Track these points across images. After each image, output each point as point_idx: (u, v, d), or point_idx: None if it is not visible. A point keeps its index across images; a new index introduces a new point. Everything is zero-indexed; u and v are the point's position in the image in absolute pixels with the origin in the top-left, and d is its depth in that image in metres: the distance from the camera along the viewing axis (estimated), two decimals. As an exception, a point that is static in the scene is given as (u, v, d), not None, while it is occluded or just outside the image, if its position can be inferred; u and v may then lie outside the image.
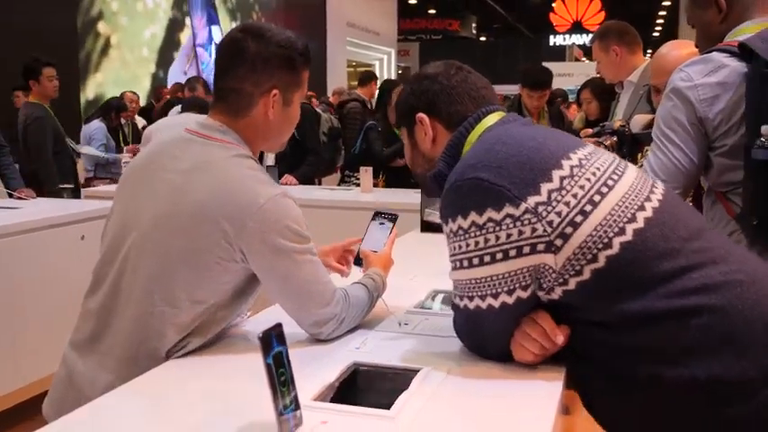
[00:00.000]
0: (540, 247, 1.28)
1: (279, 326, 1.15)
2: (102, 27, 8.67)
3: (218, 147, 1.53)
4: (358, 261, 1.89)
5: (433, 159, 1.55)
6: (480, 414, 1.27)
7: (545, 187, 1.29)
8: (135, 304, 1.49)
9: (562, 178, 1.30)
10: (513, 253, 1.29)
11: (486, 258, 1.31)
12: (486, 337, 1.43)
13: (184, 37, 10.52)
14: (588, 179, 1.31)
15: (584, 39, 17.78)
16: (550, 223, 1.27)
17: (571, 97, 9.79)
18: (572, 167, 1.32)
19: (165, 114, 6.12)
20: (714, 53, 1.82)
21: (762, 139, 1.64)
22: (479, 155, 1.36)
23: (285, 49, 1.56)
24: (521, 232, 1.28)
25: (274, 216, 1.46)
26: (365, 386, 1.44)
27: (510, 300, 1.33)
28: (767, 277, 1.32)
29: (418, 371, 1.40)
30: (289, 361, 1.15)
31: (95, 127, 6.82)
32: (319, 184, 6.09)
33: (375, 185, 4.78)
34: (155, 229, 1.50)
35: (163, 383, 1.42)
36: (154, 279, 1.48)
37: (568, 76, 13.49)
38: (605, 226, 1.27)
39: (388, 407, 1.26)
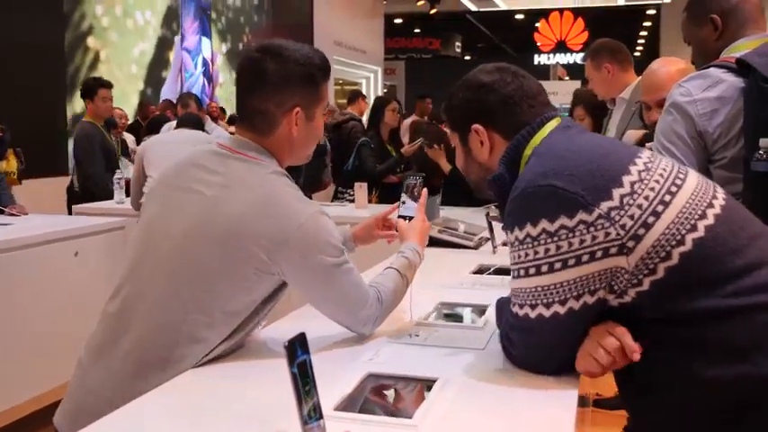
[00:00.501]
0: (613, 250, 1.29)
1: (302, 335, 1.15)
2: (91, 42, 8.66)
3: (255, 164, 1.58)
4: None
5: (489, 167, 1.55)
6: (502, 422, 1.28)
7: (617, 192, 1.30)
8: (164, 311, 1.51)
9: (632, 183, 1.32)
10: (585, 258, 1.30)
11: (557, 265, 1.31)
12: (544, 347, 1.41)
13: (174, 56, 10.53)
14: (657, 181, 1.34)
15: (567, 58, 18.02)
16: (623, 227, 1.28)
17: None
18: (640, 172, 1.34)
19: (152, 131, 6.13)
20: (712, 69, 1.87)
21: (760, 151, 1.68)
22: (548, 163, 1.37)
23: (304, 66, 1.60)
24: (594, 237, 1.29)
25: (314, 233, 1.53)
26: (382, 396, 1.44)
27: (577, 305, 1.33)
28: None
29: (435, 380, 1.41)
30: (312, 370, 1.16)
31: (87, 144, 6.79)
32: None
33: (369, 201, 4.80)
34: (188, 238, 1.53)
35: (188, 391, 1.43)
36: (187, 287, 1.51)
37: (554, 95, 13.61)
38: (677, 224, 1.30)
39: (407, 416, 1.27)
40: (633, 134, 3.07)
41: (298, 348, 1.14)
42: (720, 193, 1.40)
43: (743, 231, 1.34)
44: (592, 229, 1.28)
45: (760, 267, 1.30)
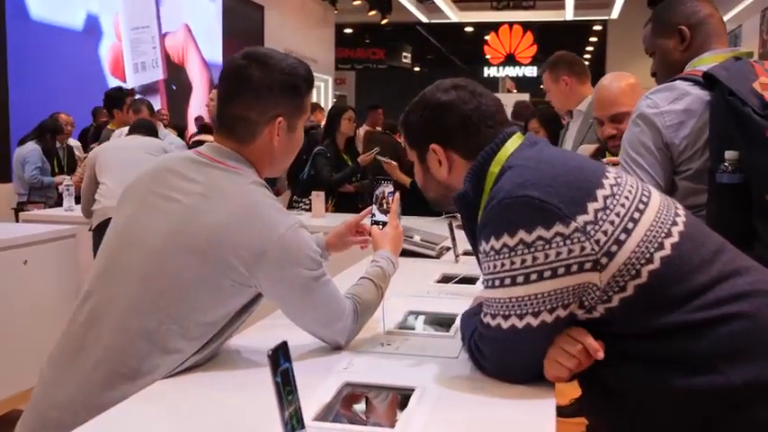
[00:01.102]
0: (587, 265, 1.30)
1: (284, 343, 1.13)
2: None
3: (234, 173, 1.56)
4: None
5: (448, 185, 1.56)
6: (482, 429, 1.28)
7: (591, 206, 1.32)
8: (136, 319, 1.46)
9: (605, 197, 1.34)
10: (561, 271, 1.30)
11: (533, 276, 1.32)
12: (514, 359, 1.41)
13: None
14: (627, 197, 1.36)
15: (516, 71, 18.29)
16: (598, 242, 1.30)
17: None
18: (612, 186, 1.36)
19: (98, 137, 6.00)
20: (678, 81, 1.91)
21: (725, 163, 1.72)
22: (526, 173, 1.37)
23: (289, 76, 1.59)
24: (570, 250, 1.29)
25: (294, 245, 1.51)
26: (359, 406, 1.43)
27: (549, 318, 1.33)
28: None
29: (412, 390, 1.40)
30: (294, 378, 1.14)
31: (30, 149, 6.61)
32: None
33: (325, 210, 4.77)
34: (166, 247, 1.49)
35: (159, 402, 1.39)
36: (162, 296, 1.47)
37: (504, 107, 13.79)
38: (646, 242, 1.32)
39: (386, 426, 1.26)
40: (586, 148, 3.12)
41: (280, 357, 1.12)
42: (681, 210, 1.43)
43: (704, 248, 1.37)
44: (568, 242, 1.29)
45: (723, 281, 1.33)
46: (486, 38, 18.42)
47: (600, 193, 1.34)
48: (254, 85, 1.56)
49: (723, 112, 1.74)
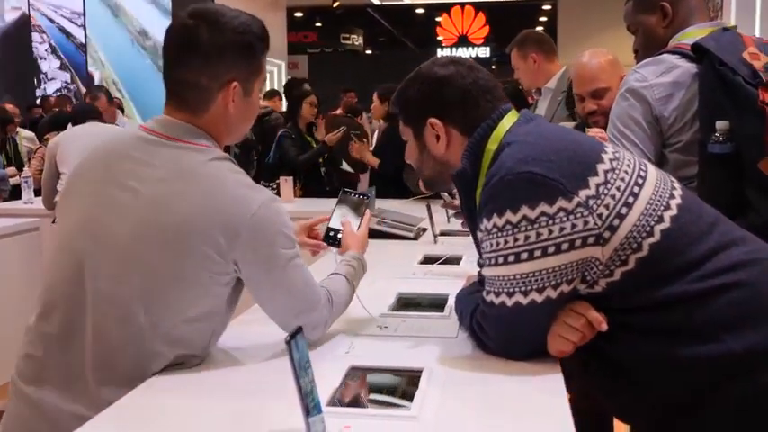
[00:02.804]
0: (591, 240, 1.30)
1: (299, 329, 1.11)
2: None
3: (193, 150, 1.41)
4: (327, 239, 1.84)
5: (444, 162, 1.53)
6: (497, 406, 1.28)
7: (593, 181, 1.31)
8: (116, 325, 1.35)
9: (605, 172, 1.34)
10: (565, 246, 1.30)
11: (537, 253, 1.31)
12: (517, 335, 1.40)
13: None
14: (626, 171, 1.36)
15: (470, 52, 18.26)
16: (600, 216, 1.30)
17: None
18: (611, 161, 1.36)
19: (56, 128, 5.81)
20: (665, 55, 1.92)
21: (717, 134, 1.73)
22: (527, 149, 1.36)
23: (242, 35, 1.43)
24: (573, 225, 1.29)
25: (268, 222, 1.39)
26: (367, 389, 1.41)
27: (554, 294, 1.33)
28: None
29: (420, 370, 1.38)
30: (311, 364, 1.11)
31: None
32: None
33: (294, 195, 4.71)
34: (134, 243, 1.36)
35: (147, 406, 1.29)
36: (139, 297, 1.35)
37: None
38: (646, 215, 1.32)
39: (398, 407, 1.24)
40: (566, 126, 3.12)
41: (298, 343, 1.10)
42: (677, 184, 1.44)
43: (701, 220, 1.38)
44: (571, 217, 1.29)
45: (720, 251, 1.34)
46: (439, 19, 18.39)
47: (600, 168, 1.34)
48: (203, 47, 1.39)
49: (713, 82, 1.75)
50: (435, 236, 2.89)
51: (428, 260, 2.49)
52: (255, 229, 1.37)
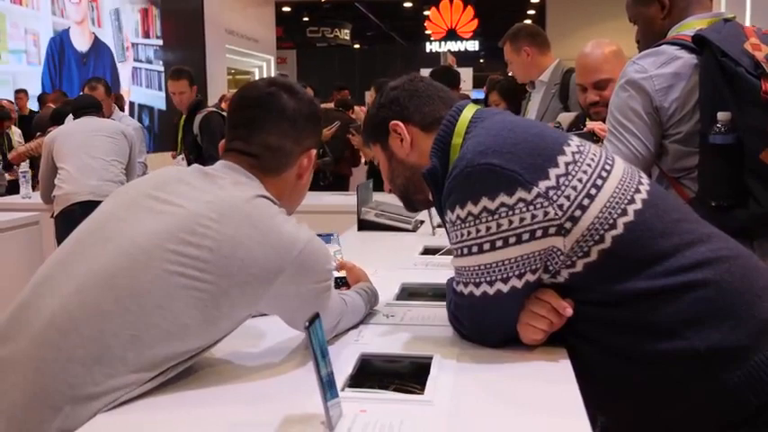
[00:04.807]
0: (552, 230, 1.32)
1: (317, 315, 1.13)
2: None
3: (244, 184, 1.41)
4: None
5: (412, 164, 1.57)
6: (509, 391, 1.30)
7: (553, 172, 1.34)
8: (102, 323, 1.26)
9: (567, 164, 1.36)
10: (525, 237, 1.33)
11: (498, 243, 1.34)
12: (489, 324, 1.45)
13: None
14: (589, 164, 1.38)
15: (459, 46, 18.28)
16: (561, 207, 1.32)
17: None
18: (573, 153, 1.39)
19: (53, 122, 5.79)
20: (665, 46, 1.94)
21: (718, 125, 1.76)
22: (487, 141, 1.39)
23: (314, 106, 1.55)
24: (533, 216, 1.32)
25: (313, 260, 1.39)
26: (379, 376, 1.43)
27: (519, 284, 1.37)
28: (746, 253, 1.44)
29: (430, 358, 1.41)
30: (328, 350, 1.14)
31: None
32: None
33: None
34: (150, 248, 1.29)
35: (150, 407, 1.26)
36: (129, 307, 1.26)
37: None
38: (609, 208, 1.34)
39: (415, 392, 1.27)
40: (566, 116, 3.15)
41: (317, 329, 1.12)
42: (645, 179, 1.46)
43: (667, 215, 1.40)
44: (531, 207, 1.32)
45: (685, 248, 1.35)
46: (427, 13, 18.39)
47: (561, 160, 1.36)
48: (289, 113, 1.48)
49: (714, 73, 1.77)
50: (434, 227, 2.91)
51: (428, 251, 2.52)
52: (300, 266, 1.36)
